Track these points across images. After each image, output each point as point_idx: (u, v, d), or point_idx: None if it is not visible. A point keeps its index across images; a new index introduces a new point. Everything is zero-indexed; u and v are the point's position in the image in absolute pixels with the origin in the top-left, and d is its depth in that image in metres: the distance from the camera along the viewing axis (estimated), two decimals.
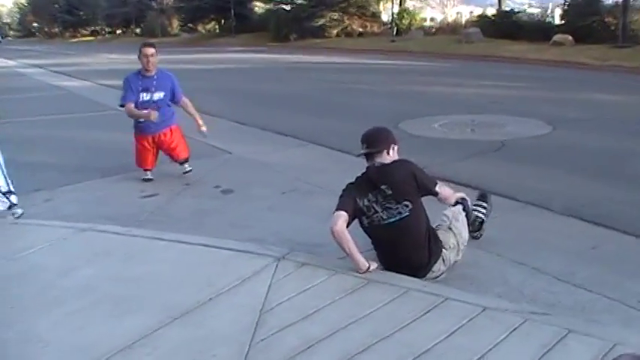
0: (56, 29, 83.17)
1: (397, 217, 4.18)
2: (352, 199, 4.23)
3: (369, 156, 4.41)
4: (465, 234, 4.51)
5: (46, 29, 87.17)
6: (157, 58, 6.95)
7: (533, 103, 12.58)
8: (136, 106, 6.85)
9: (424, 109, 11.87)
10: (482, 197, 5.12)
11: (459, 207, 4.53)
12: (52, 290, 4.19)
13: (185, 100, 7.26)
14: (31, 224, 5.58)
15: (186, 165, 7.25)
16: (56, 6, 75.84)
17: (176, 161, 7.26)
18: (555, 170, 7.16)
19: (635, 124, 10.07)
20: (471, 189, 6.29)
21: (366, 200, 4.21)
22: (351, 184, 4.38)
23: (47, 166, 8.18)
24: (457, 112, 11.55)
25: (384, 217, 4.18)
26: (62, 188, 7.12)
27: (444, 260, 4.36)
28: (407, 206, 4.20)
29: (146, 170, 7.21)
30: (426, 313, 3.65)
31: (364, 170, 4.41)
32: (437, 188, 4.40)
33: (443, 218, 4.49)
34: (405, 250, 4.25)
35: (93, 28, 76.54)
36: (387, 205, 4.18)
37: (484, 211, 5.00)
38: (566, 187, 6.44)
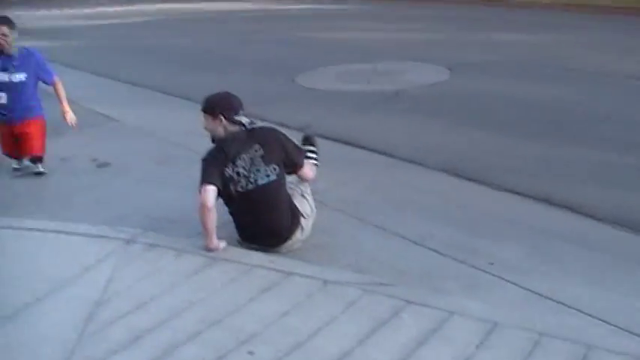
0: None
1: (265, 180, 4.12)
2: (218, 169, 4.08)
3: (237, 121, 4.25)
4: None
5: None
6: (14, 36, 5.88)
7: (437, 46, 12.50)
8: None
9: (328, 58, 11.67)
10: (308, 141, 5.01)
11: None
12: None
13: (58, 83, 6.28)
14: None
15: (39, 165, 6.23)
16: None
17: (29, 156, 6.25)
18: (441, 122, 7.15)
19: (538, 67, 10.04)
20: (350, 146, 6.26)
21: (233, 166, 4.11)
22: (214, 152, 4.23)
23: None
24: (361, 59, 11.40)
25: (252, 180, 4.10)
26: None
27: (302, 229, 4.32)
28: (275, 169, 4.16)
29: (12, 158, 6.33)
30: (264, 293, 3.60)
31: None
32: (303, 162, 4.40)
33: (290, 186, 4.40)
34: (269, 216, 4.19)
35: None
36: (257, 167, 4.12)
37: (315, 156, 4.93)
38: (448, 141, 6.44)
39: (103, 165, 6.69)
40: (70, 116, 6.26)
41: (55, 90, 6.25)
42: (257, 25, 17.48)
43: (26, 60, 6.00)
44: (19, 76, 5.92)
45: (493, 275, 3.85)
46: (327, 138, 6.72)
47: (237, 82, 9.79)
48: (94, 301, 3.65)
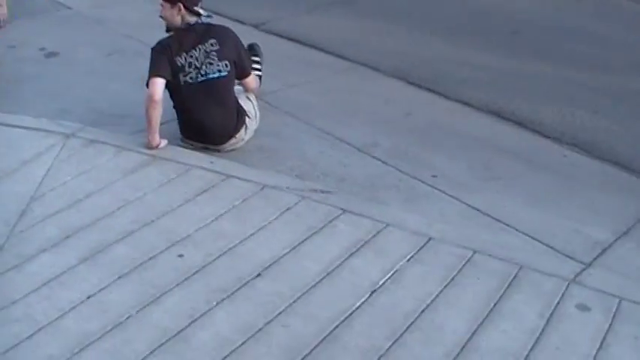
0: None
1: (216, 75, 4.08)
2: (166, 59, 3.99)
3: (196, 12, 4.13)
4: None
5: None
6: None
7: None
8: None
9: None
10: (252, 50, 4.96)
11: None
12: None
13: None
14: None
15: None
16: None
17: None
18: (399, 26, 6.96)
19: None
20: (306, 47, 6.11)
21: (186, 56, 4.03)
22: (165, 42, 4.12)
23: None
24: None
25: (203, 72, 4.04)
26: None
27: (247, 128, 4.28)
28: (227, 66, 4.12)
29: None
30: (200, 195, 3.58)
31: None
32: (251, 71, 4.41)
33: (238, 87, 4.32)
34: (215, 111, 4.15)
35: None
36: (210, 60, 4.06)
37: (259, 66, 4.91)
38: (403, 46, 6.30)
39: (51, 55, 6.46)
40: (2, 12, 5.62)
41: None
42: None
43: None
44: None
45: (434, 188, 3.86)
46: (282, 37, 6.58)
47: None
48: (30, 197, 3.60)
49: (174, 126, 4.29)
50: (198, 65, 4.04)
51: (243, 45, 4.35)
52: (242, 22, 7.08)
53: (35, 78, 5.79)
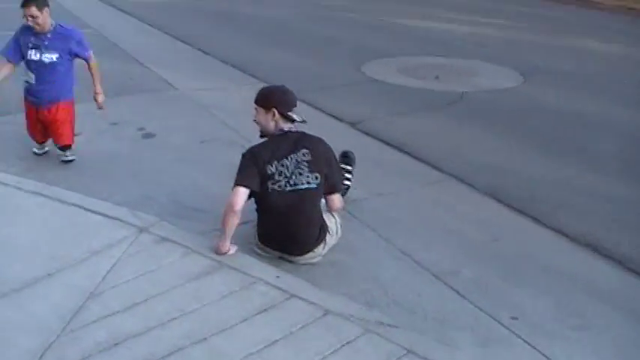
0: None
1: (305, 186, 3.95)
2: (256, 169, 3.92)
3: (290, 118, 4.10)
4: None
5: None
6: (47, 14, 5.29)
7: (518, 46, 11.88)
8: (26, 64, 5.47)
9: (402, 47, 11.29)
10: (347, 158, 4.92)
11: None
12: None
13: (93, 62, 5.70)
14: None
15: (67, 153, 5.73)
16: None
17: (56, 144, 5.77)
18: (499, 136, 6.72)
19: (624, 86, 9.21)
20: (399, 152, 5.97)
21: (277, 164, 3.94)
22: (257, 149, 4.06)
23: None
24: (435, 51, 10.97)
25: (292, 182, 3.93)
26: None
27: (325, 245, 4.13)
28: (317, 178, 4.00)
29: (35, 141, 5.86)
30: (258, 314, 3.39)
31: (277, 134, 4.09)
32: (340, 188, 4.32)
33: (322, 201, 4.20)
34: (298, 223, 4.02)
35: None
36: (300, 170, 3.95)
37: (350, 176, 4.87)
38: (502, 160, 6.01)
39: (147, 136, 6.63)
40: (101, 98, 5.78)
41: (89, 68, 5.69)
42: (339, 3, 17.07)
43: (60, 38, 5.42)
44: (50, 56, 5.39)
45: (512, 332, 3.50)
46: (376, 138, 6.47)
47: (303, 61, 9.62)
48: (90, 292, 3.54)
49: (252, 228, 4.17)
50: (287, 174, 3.93)
51: (336, 159, 4.23)
52: (339, 119, 7.05)
53: (128, 159, 5.91)
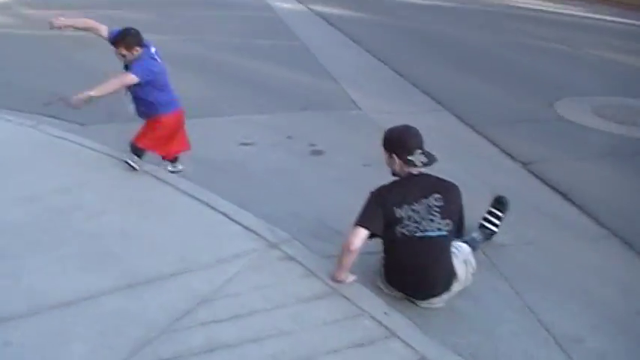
0: None
1: (436, 233, 3.90)
2: (382, 211, 3.94)
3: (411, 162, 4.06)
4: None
5: None
6: (136, 53, 5.33)
7: None
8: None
9: (609, 85, 10.53)
10: (500, 204, 4.78)
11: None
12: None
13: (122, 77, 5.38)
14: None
15: (135, 158, 5.71)
16: None
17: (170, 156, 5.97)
18: None
19: None
20: (563, 199, 5.69)
21: (408, 208, 3.91)
22: (385, 190, 4.06)
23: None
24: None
25: (422, 228, 3.88)
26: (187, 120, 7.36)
27: (450, 292, 4.06)
28: (448, 225, 3.95)
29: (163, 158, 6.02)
30: (352, 348, 3.44)
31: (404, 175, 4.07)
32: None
33: (457, 248, 4.12)
34: (426, 269, 3.96)
35: None
36: (432, 216, 3.91)
37: (498, 222, 4.72)
38: None
39: (315, 153, 6.88)
40: (82, 96, 5.23)
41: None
42: (546, 30, 16.37)
43: (133, 65, 5.37)
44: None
45: None
46: (544, 182, 6.19)
47: (494, 91, 9.42)
48: (202, 297, 3.78)
49: (378, 261, 4.21)
50: (418, 220, 3.88)
51: (463, 208, 4.12)
52: (512, 157, 6.84)
53: (290, 173, 6.19)
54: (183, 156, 6.18)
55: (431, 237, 3.89)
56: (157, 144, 5.64)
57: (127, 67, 5.44)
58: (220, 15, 17.74)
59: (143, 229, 4.64)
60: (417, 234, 3.88)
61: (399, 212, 3.89)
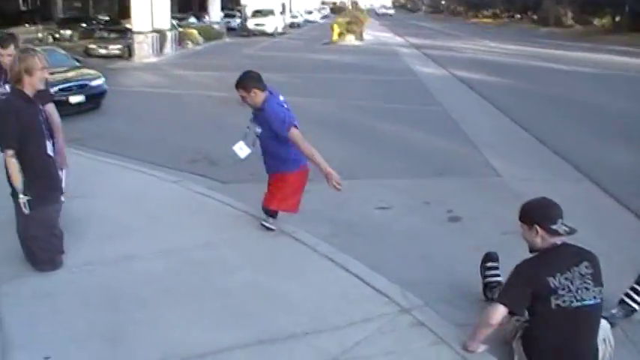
0: (460, 8, 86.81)
1: (592, 301, 3.77)
2: (529, 289, 3.83)
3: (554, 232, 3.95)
4: None
5: (451, 7, 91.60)
6: (256, 94, 5.48)
7: None
8: None
9: None
10: None
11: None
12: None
13: (293, 135, 5.45)
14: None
15: (268, 218, 5.84)
16: None
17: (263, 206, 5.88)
18: None
19: None
20: None
21: (562, 277, 3.79)
22: (531, 265, 3.95)
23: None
24: None
25: (579, 297, 3.75)
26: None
27: None
28: (600, 292, 3.82)
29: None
30: None
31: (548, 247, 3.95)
32: None
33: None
34: (582, 341, 3.83)
35: (493, 10, 77.95)
36: (586, 284, 3.79)
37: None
38: None
39: (453, 219, 6.82)
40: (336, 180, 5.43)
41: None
42: None
43: (269, 118, 5.49)
44: (257, 129, 5.62)
45: None
46: None
47: (637, 163, 8.97)
48: (331, 359, 3.79)
49: (513, 327, 4.08)
50: (573, 289, 3.74)
51: None
52: None
53: (425, 239, 6.21)
54: (319, 217, 6.31)
55: (588, 306, 3.74)
56: (286, 203, 5.75)
57: (255, 115, 5.62)
58: (362, 78, 18.21)
59: (277, 287, 4.75)
60: (573, 304, 3.73)
61: (553, 282, 3.75)
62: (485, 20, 75.61)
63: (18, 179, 4.64)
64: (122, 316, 4.33)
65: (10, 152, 4.61)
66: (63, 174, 5.30)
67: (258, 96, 5.47)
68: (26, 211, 4.69)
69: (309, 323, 4.21)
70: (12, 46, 5.58)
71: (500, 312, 3.78)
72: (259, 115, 5.54)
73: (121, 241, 5.53)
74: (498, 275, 4.79)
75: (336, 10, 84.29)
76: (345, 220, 6.44)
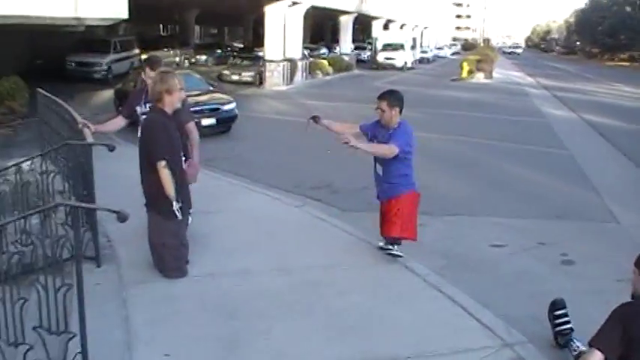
0: (595, 50, 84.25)
1: None
2: (625, 335, 3.83)
3: None
4: None
5: (586, 49, 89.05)
6: (394, 113, 5.75)
7: None
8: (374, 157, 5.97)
9: None
10: None
11: None
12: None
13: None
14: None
15: (390, 246, 5.98)
16: (599, 28, 76.68)
17: (384, 236, 6.06)
18: None
19: None
20: None
21: None
22: (631, 308, 3.88)
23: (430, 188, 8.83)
24: None
25: None
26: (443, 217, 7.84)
27: None
28: None
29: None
30: None
31: None
32: None
33: None
34: None
35: (630, 53, 75.10)
36: None
37: None
38: None
39: (567, 262, 6.84)
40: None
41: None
42: None
43: (395, 134, 5.73)
44: None
45: None
46: None
47: None
48: None
49: None
50: None
51: None
52: None
53: (536, 279, 6.28)
54: (433, 249, 6.51)
55: None
56: (407, 230, 5.92)
57: (377, 137, 5.80)
58: (489, 117, 18.20)
59: (385, 312, 5.00)
60: None
61: None
62: (621, 63, 72.91)
63: (171, 187, 5.14)
64: (238, 323, 4.73)
65: (163, 163, 5.11)
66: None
67: (396, 116, 5.75)
68: (179, 216, 5.21)
69: (413, 348, 4.44)
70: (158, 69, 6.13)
71: (595, 357, 3.75)
72: (384, 134, 5.76)
73: (241, 256, 5.98)
74: (569, 322, 4.78)
75: (467, 46, 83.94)
76: (458, 254, 6.60)
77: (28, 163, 6.67)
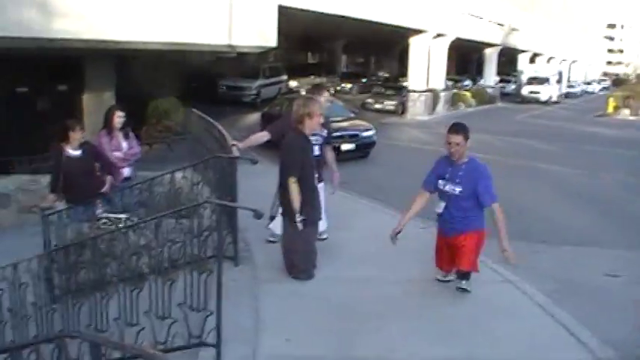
0: None
1: None
2: None
3: None
4: None
5: None
6: (467, 146, 5.82)
7: None
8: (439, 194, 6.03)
9: None
10: None
11: None
12: None
13: (496, 211, 5.76)
14: None
15: (463, 281, 6.02)
16: None
17: (456, 269, 6.14)
18: None
19: None
20: None
21: None
22: None
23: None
24: None
25: None
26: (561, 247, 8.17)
27: None
28: None
29: (440, 268, 6.38)
30: None
31: None
32: None
33: None
34: None
35: None
36: None
37: None
38: None
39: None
40: (508, 254, 5.70)
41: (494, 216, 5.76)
42: None
43: (468, 174, 5.80)
44: (455, 189, 5.82)
45: None
46: None
47: None
48: None
49: None
50: None
51: None
52: None
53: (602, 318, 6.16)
54: (546, 274, 6.89)
55: None
56: (475, 264, 6.00)
57: (450, 174, 5.83)
58: (626, 154, 17.89)
59: (490, 323, 5.53)
60: None
61: None
62: None
63: (297, 201, 5.90)
64: (355, 321, 5.44)
65: (294, 179, 5.91)
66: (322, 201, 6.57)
67: (465, 147, 5.76)
68: (301, 227, 5.94)
69: (508, 355, 4.94)
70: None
71: None
72: (458, 169, 5.80)
73: (365, 267, 6.71)
74: None
75: (617, 82, 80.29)
76: (570, 280, 6.91)
77: (181, 172, 7.68)
